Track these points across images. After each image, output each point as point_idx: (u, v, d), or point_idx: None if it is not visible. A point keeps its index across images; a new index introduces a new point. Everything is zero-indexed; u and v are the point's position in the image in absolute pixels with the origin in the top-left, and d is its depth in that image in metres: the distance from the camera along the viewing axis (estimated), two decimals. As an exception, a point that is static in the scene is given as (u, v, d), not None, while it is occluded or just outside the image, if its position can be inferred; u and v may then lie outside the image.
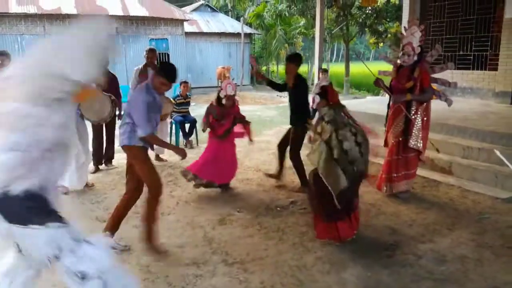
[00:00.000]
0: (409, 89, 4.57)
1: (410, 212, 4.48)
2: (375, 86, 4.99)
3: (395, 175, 4.78)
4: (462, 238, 3.83)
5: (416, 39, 4.56)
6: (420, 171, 5.09)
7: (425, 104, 4.66)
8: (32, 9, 13.98)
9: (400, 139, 4.72)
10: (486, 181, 5.19)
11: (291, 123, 5.18)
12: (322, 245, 3.71)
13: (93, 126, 5.94)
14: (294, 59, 5.10)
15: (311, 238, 3.85)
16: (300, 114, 5.02)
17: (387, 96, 5.39)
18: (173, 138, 7.70)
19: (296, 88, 5.05)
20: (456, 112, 5.99)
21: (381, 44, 23.61)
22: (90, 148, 5.95)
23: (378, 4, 19.31)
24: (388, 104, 4.92)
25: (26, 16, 13.94)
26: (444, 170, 5.67)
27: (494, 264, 3.36)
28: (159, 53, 14.71)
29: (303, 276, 3.23)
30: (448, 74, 5.05)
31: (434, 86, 4.83)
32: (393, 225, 4.15)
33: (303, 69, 32.60)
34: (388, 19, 20.28)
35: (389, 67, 5.82)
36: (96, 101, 4.96)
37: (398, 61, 5.16)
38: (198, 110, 10.52)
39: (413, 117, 4.63)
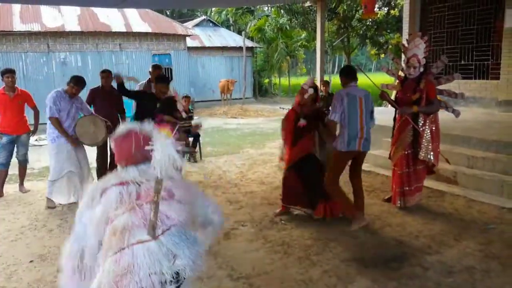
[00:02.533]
0: (415, 101, 4.55)
1: (416, 223, 4.44)
2: (380, 99, 4.97)
3: (407, 188, 4.74)
4: (469, 248, 3.80)
5: (421, 51, 4.57)
6: (425, 182, 5.06)
7: (432, 115, 4.64)
8: (35, 27, 14.14)
9: (409, 151, 4.70)
10: (492, 190, 5.15)
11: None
12: (328, 259, 3.68)
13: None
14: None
15: (317, 252, 3.83)
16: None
17: (389, 107, 5.39)
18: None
19: None
20: (460, 121, 5.98)
21: (382, 55, 23.71)
22: (94, 164, 5.99)
23: (379, 16, 19.45)
24: (394, 117, 4.91)
25: (30, 34, 14.10)
26: (449, 180, 5.64)
27: (502, 275, 3.32)
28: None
29: (309, 290, 3.20)
30: (450, 84, 5.05)
31: (439, 97, 4.81)
32: (399, 237, 4.12)
33: (304, 81, 32.77)
34: (388, 31, 20.39)
35: (390, 79, 5.84)
36: (91, 126, 5.24)
37: (401, 73, 5.17)
38: (202, 123, 10.54)
39: (421, 129, 4.61)
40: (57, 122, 5.15)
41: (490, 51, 8.85)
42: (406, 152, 4.70)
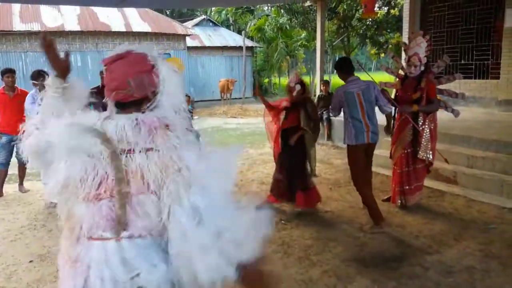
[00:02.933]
0: (416, 100, 4.55)
1: (416, 223, 4.44)
2: None
3: (407, 187, 4.74)
4: (469, 248, 3.79)
5: (422, 50, 4.57)
6: (425, 181, 5.06)
7: (431, 114, 4.64)
8: (35, 27, 14.16)
9: (409, 150, 4.70)
10: (492, 190, 5.15)
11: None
12: (327, 259, 3.68)
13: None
14: None
15: (317, 252, 3.82)
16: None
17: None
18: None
19: None
20: (460, 121, 5.98)
21: (382, 55, 23.70)
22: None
23: (379, 15, 19.44)
24: (394, 116, 4.90)
25: (29, 34, 14.12)
26: (449, 180, 5.64)
27: (501, 275, 3.32)
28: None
29: (309, 290, 3.20)
30: (451, 84, 5.04)
31: (438, 96, 4.81)
32: (399, 237, 4.11)
33: (304, 80, 32.76)
34: (388, 30, 20.39)
35: (390, 78, 5.82)
36: None
37: (401, 72, 5.17)
38: (201, 123, 10.54)
39: (421, 128, 4.61)
40: None
41: (490, 50, 8.85)
42: (405, 151, 4.70)
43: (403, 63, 5.04)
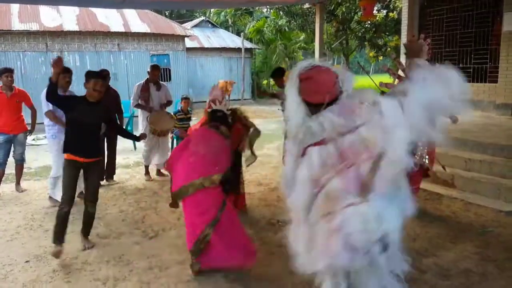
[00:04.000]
0: None
1: (413, 226, 4.43)
2: None
3: None
4: (466, 252, 3.79)
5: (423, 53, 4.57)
6: (423, 184, 5.06)
7: None
8: (34, 26, 14.12)
9: None
10: (489, 193, 5.16)
11: None
12: (324, 260, 3.67)
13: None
14: None
15: (314, 253, 3.81)
16: None
17: None
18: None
19: None
20: (457, 124, 5.96)
21: (381, 58, 23.76)
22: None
23: (377, 18, 19.50)
24: None
25: (28, 33, 14.07)
26: (446, 183, 5.64)
27: (498, 278, 3.32)
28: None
29: (306, 292, 3.19)
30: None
31: None
32: (396, 239, 4.11)
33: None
34: (387, 33, 20.47)
35: (389, 79, 5.81)
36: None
37: (401, 74, 5.17)
38: (199, 124, 10.53)
39: None
40: (51, 114, 5.16)
41: (488, 54, 8.88)
42: None
43: (405, 65, 5.03)
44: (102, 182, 6.25)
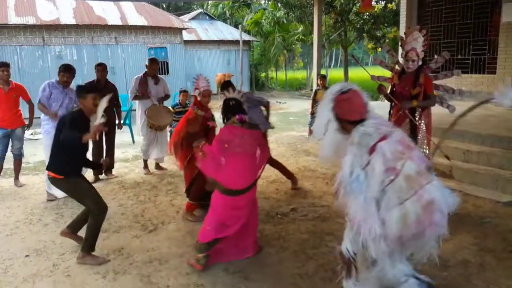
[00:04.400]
0: (414, 95, 4.54)
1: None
2: (378, 93, 4.95)
3: None
4: (464, 242, 3.81)
5: (419, 45, 4.55)
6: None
7: (426, 109, 4.65)
8: (31, 20, 14.03)
9: None
10: (487, 185, 5.17)
11: None
12: (323, 253, 3.69)
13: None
14: None
15: (313, 246, 3.83)
16: None
17: (385, 101, 5.38)
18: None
19: None
20: (455, 116, 5.97)
21: (379, 49, 23.69)
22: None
23: (376, 9, 19.40)
24: (390, 111, 4.89)
25: (25, 27, 13.99)
26: (444, 175, 5.64)
27: (497, 269, 3.34)
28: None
29: (305, 284, 3.21)
30: (448, 78, 5.04)
31: (435, 92, 4.81)
32: (394, 231, 4.12)
33: (301, 75, 32.47)
34: (385, 24, 20.38)
35: (384, 72, 5.80)
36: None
37: (397, 67, 5.16)
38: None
39: (418, 123, 4.62)
40: (43, 107, 5.32)
41: (487, 45, 8.86)
42: None
43: (400, 58, 5.03)
44: (101, 176, 6.26)
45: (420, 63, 4.58)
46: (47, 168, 3.72)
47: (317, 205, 4.92)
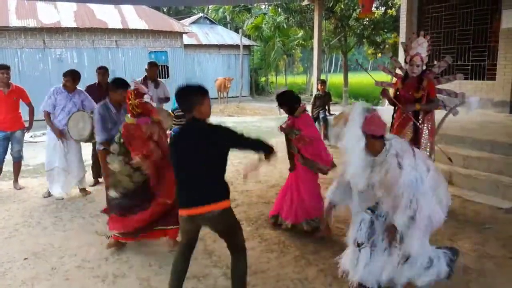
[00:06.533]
0: (417, 99, 4.59)
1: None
2: (382, 97, 4.99)
3: None
4: (464, 248, 3.80)
5: (424, 50, 4.61)
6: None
7: (429, 113, 4.69)
8: (31, 23, 14.06)
9: None
10: (487, 190, 5.17)
11: None
12: (324, 258, 3.68)
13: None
14: None
15: (313, 251, 3.83)
16: None
17: (387, 105, 5.40)
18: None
19: None
20: (455, 121, 5.99)
21: (379, 55, 23.76)
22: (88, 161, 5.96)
23: (376, 15, 19.48)
24: (393, 115, 4.92)
25: (25, 30, 14.02)
26: (444, 180, 5.65)
27: (497, 275, 3.33)
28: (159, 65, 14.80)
29: (305, 289, 3.20)
30: (449, 84, 5.06)
31: (437, 96, 4.84)
32: (394, 236, 4.11)
33: (301, 79, 32.45)
34: (385, 30, 20.44)
35: (387, 78, 5.83)
36: (80, 122, 5.07)
37: (398, 71, 5.19)
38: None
39: (420, 126, 4.65)
40: (47, 116, 5.36)
41: (487, 51, 8.87)
42: None
43: (402, 64, 5.06)
44: (100, 180, 6.24)
45: (424, 67, 4.63)
46: (228, 198, 2.92)
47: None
